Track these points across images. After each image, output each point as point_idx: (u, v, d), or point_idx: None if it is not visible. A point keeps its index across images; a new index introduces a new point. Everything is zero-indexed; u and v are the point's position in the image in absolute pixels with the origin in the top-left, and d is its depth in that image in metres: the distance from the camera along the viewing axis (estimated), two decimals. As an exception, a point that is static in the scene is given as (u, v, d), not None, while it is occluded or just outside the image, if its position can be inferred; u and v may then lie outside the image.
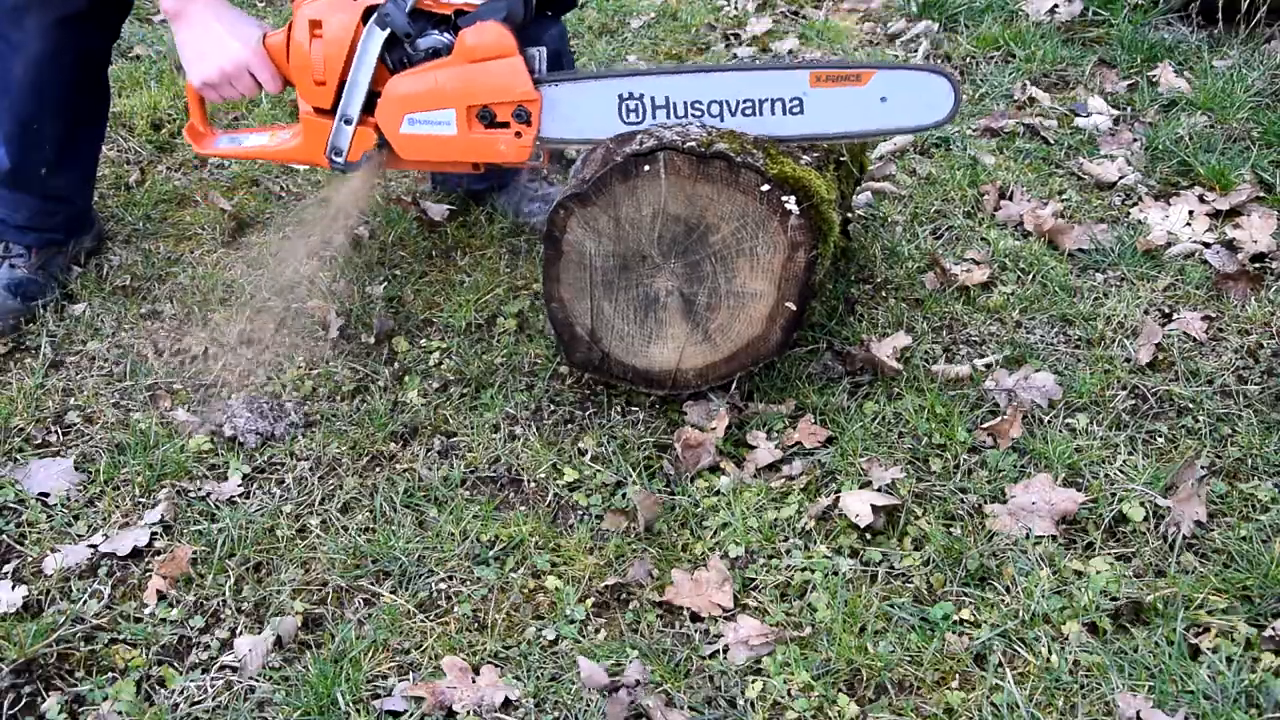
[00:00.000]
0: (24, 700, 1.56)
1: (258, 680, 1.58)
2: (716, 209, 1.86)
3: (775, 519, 1.82)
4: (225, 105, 2.73)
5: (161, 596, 1.71)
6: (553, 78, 1.98)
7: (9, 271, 2.35)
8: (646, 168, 1.84)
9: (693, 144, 1.83)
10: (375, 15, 1.97)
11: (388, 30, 1.97)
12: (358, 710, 1.53)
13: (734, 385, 2.08)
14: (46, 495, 1.89)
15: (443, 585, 1.73)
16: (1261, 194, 2.64)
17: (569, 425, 2.05)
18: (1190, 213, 2.57)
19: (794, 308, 1.90)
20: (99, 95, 2.36)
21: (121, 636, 1.65)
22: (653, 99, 1.95)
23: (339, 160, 2.09)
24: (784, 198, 1.82)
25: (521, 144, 1.99)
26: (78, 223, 2.47)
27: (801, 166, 1.89)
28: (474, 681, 1.56)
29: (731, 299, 1.92)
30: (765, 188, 1.82)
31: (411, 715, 1.52)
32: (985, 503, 1.83)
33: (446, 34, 1.99)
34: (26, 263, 2.38)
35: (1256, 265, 2.40)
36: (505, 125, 1.98)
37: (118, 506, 1.87)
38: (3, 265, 2.36)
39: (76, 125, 2.33)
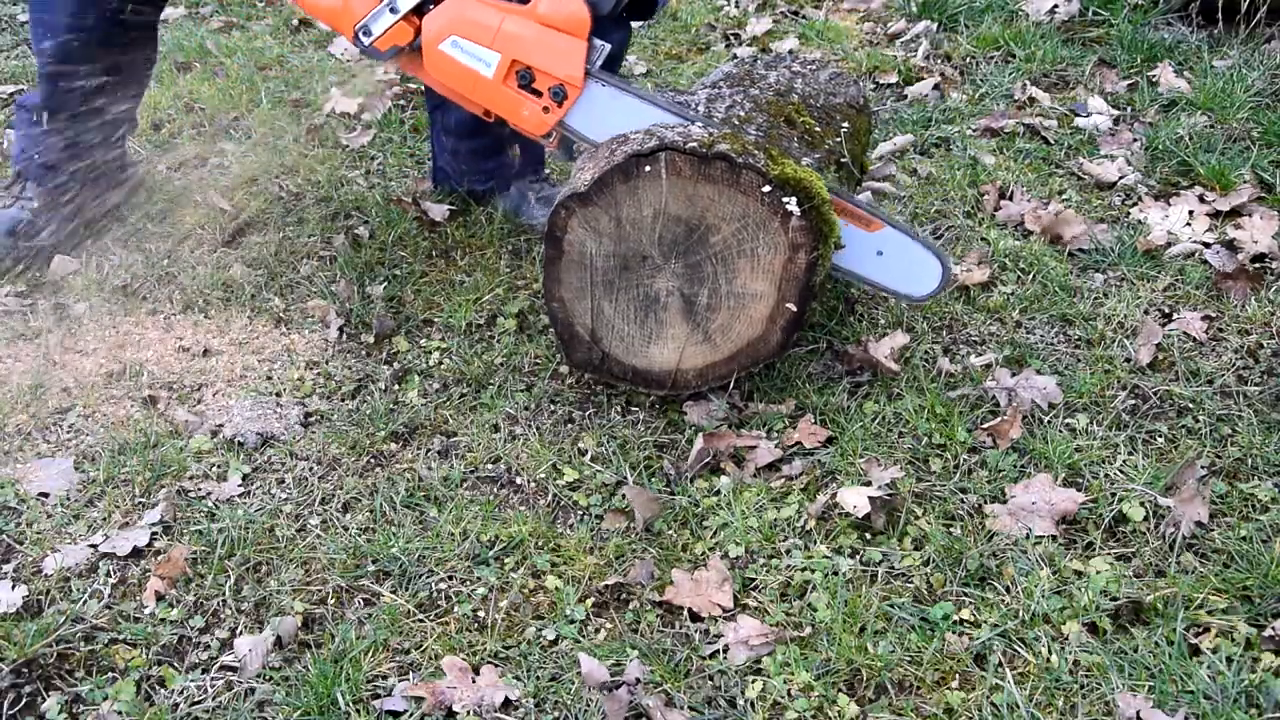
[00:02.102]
0: (24, 700, 1.55)
1: (258, 680, 1.58)
2: (718, 210, 1.85)
3: (775, 519, 1.82)
4: (222, 111, 2.72)
5: (160, 597, 1.70)
6: (604, 77, 1.98)
7: (16, 211, 2.43)
8: (648, 168, 1.84)
9: (694, 144, 1.83)
10: None
11: None
12: (358, 710, 1.53)
13: (733, 385, 2.08)
14: (46, 495, 1.89)
15: (443, 585, 1.73)
16: (1261, 194, 2.64)
17: (569, 425, 2.04)
18: (1190, 213, 2.57)
19: (794, 309, 1.90)
20: (138, 51, 2.35)
21: (121, 636, 1.65)
22: None
23: (364, 41, 2.05)
24: (785, 199, 1.82)
25: (544, 119, 1.99)
26: (104, 172, 2.50)
27: (803, 168, 1.89)
28: (474, 681, 1.56)
29: (732, 300, 1.92)
30: (767, 189, 1.82)
31: (411, 715, 1.52)
32: (985, 503, 1.83)
33: None
34: (33, 206, 2.45)
35: (1256, 265, 2.40)
36: (539, 94, 1.98)
37: (118, 506, 1.87)
38: (14, 204, 2.43)
39: (111, 74, 2.33)
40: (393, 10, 2.01)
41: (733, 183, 1.83)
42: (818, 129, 2.17)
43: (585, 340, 2.01)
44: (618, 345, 2.00)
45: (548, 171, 2.70)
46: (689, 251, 1.91)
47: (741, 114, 2.05)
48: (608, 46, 1.98)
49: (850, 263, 1.99)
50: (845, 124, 2.26)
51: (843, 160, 2.16)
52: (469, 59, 1.98)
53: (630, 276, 1.94)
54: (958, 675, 1.56)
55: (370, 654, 1.61)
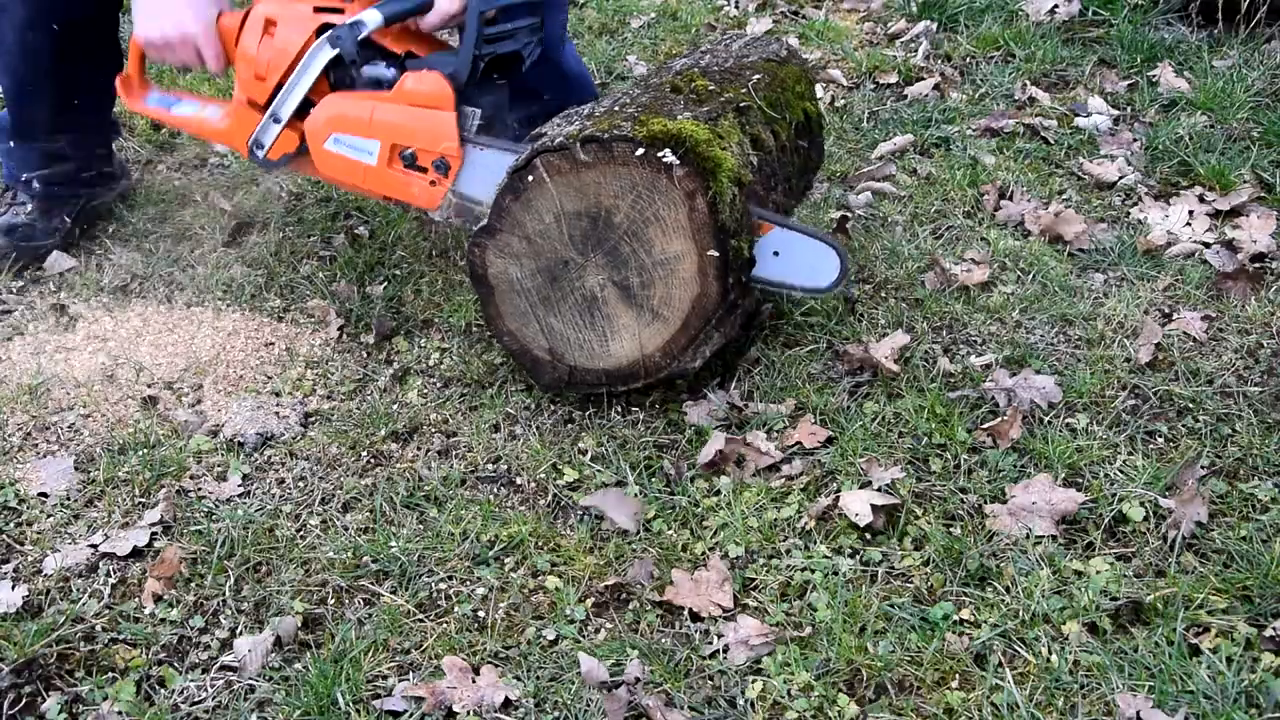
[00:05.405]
0: (24, 700, 1.55)
1: (258, 680, 1.58)
2: (608, 190, 1.87)
3: (775, 519, 1.82)
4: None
5: (158, 598, 1.70)
6: (481, 140, 2.03)
7: (10, 217, 2.46)
8: (530, 178, 1.88)
9: (562, 139, 1.85)
10: (328, 34, 2.04)
11: (336, 50, 2.04)
12: (358, 710, 1.53)
13: (734, 383, 2.09)
14: (46, 495, 1.89)
15: (443, 585, 1.73)
16: (1261, 194, 2.64)
17: (569, 425, 2.04)
18: (1190, 213, 2.58)
19: (717, 254, 1.88)
20: (96, 64, 2.36)
21: (121, 636, 1.65)
22: None
23: (258, 154, 2.16)
24: (660, 154, 1.82)
25: (434, 192, 2.06)
26: (90, 178, 2.53)
27: (675, 121, 1.89)
28: (474, 681, 1.56)
29: (660, 269, 1.91)
30: (640, 151, 1.83)
31: (411, 715, 1.52)
32: (985, 503, 1.83)
33: (392, 69, 2.06)
34: (28, 210, 2.48)
35: (1256, 265, 2.40)
36: (424, 170, 2.05)
37: (118, 506, 1.87)
38: (8, 211, 2.46)
39: (73, 91, 2.36)
40: (276, 120, 2.11)
41: (609, 159, 1.84)
42: (711, 87, 2.14)
43: (547, 361, 2.02)
44: (580, 355, 2.01)
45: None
46: (601, 240, 1.91)
47: (626, 101, 2.04)
48: (479, 111, 2.04)
49: (755, 269, 1.99)
50: (757, 75, 2.24)
51: (744, 106, 2.12)
52: (353, 151, 2.07)
53: (562, 285, 1.95)
54: (958, 675, 1.56)
55: (370, 654, 1.61)
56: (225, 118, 2.20)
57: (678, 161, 1.82)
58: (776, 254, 1.98)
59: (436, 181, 2.04)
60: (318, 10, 2.08)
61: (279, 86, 2.09)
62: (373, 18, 2.02)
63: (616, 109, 1.97)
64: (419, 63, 2.04)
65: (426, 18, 2.07)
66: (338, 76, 2.08)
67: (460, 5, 2.03)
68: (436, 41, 2.19)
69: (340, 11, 2.07)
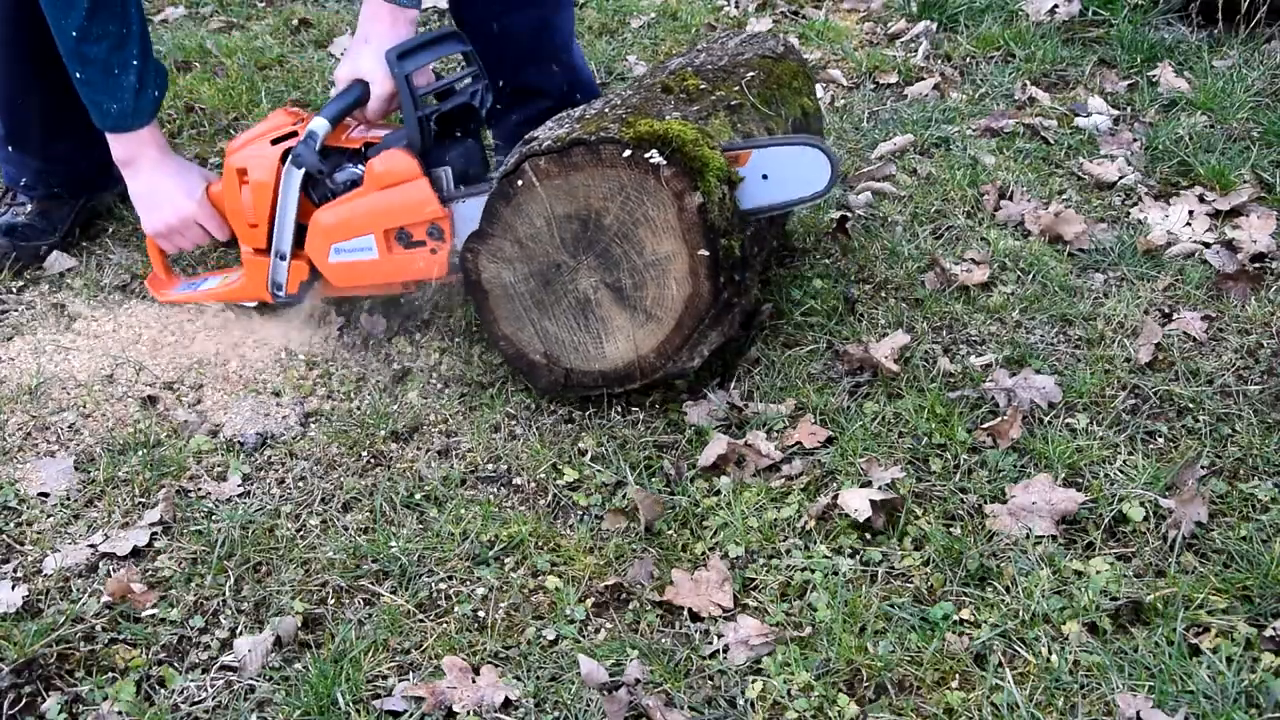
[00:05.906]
0: (24, 700, 1.55)
1: (258, 680, 1.58)
2: (597, 192, 1.87)
3: (775, 519, 1.82)
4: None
5: (160, 599, 1.70)
6: (460, 194, 2.05)
7: (10, 217, 2.48)
8: (519, 182, 1.88)
9: (550, 142, 1.86)
10: (290, 157, 2.07)
11: (303, 169, 2.07)
12: (358, 710, 1.53)
13: (733, 383, 2.09)
14: (46, 495, 1.89)
15: (443, 585, 1.73)
16: (1262, 194, 2.64)
17: (569, 425, 2.05)
18: (1190, 213, 2.57)
19: (708, 253, 1.88)
20: None
21: (121, 636, 1.65)
22: None
23: (280, 295, 2.21)
24: (647, 155, 1.83)
25: (438, 259, 2.07)
26: (88, 180, 2.56)
27: (662, 121, 1.89)
28: (474, 681, 1.56)
29: (652, 270, 1.91)
30: (627, 153, 1.83)
31: (411, 715, 1.52)
32: (985, 503, 1.83)
33: (360, 166, 2.09)
34: (28, 210, 2.50)
35: (1256, 265, 2.40)
36: (422, 244, 2.06)
37: (118, 506, 1.87)
38: (8, 211, 2.49)
39: (65, 97, 2.36)
40: (281, 257, 2.16)
41: (597, 161, 1.84)
42: (703, 86, 2.13)
43: (543, 365, 2.03)
44: (575, 358, 2.01)
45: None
46: (592, 242, 1.91)
47: (616, 103, 2.04)
48: (449, 169, 2.06)
49: (751, 200, 1.97)
50: (751, 73, 2.23)
51: (735, 104, 2.12)
52: (355, 254, 2.10)
53: (555, 289, 1.96)
54: (958, 675, 1.56)
55: (370, 654, 1.61)
56: (242, 276, 2.25)
57: (665, 162, 1.82)
58: (765, 177, 1.96)
59: (437, 249, 2.06)
60: (274, 142, 2.12)
61: (271, 225, 2.14)
62: (320, 124, 2.06)
63: (606, 110, 1.98)
64: (376, 148, 2.07)
65: (369, 105, 2.10)
66: (319, 194, 2.12)
67: (393, 81, 2.05)
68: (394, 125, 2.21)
69: (296, 134, 2.11)
